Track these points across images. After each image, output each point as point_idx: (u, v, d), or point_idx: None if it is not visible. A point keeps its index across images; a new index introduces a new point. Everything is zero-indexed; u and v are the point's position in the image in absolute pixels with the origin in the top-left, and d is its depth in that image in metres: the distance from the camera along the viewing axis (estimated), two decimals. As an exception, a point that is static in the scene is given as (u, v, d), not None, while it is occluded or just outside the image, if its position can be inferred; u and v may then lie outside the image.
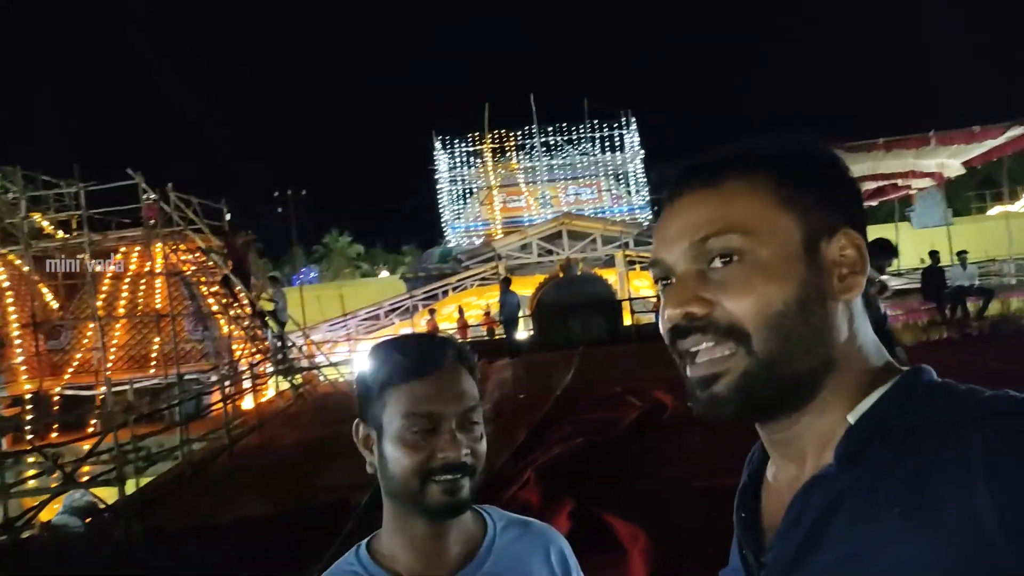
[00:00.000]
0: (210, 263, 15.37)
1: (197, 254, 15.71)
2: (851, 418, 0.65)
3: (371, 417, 1.07)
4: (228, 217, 17.50)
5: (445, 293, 24.29)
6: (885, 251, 5.89)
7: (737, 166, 0.70)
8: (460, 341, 1.16)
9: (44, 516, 8.03)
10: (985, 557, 0.54)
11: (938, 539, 0.56)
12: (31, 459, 10.04)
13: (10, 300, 14.11)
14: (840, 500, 0.62)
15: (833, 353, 0.67)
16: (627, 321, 17.65)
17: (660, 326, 0.73)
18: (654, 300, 20.53)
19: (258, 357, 14.72)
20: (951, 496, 0.56)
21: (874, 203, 23.27)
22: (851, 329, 0.69)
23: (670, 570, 3.80)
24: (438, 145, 34.80)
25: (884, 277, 5.74)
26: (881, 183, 19.26)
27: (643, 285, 23.50)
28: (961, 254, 13.39)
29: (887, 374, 0.68)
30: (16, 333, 13.94)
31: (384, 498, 1.08)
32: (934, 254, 13.26)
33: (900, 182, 19.51)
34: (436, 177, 34.80)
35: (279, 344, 14.91)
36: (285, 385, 14.37)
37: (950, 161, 17.53)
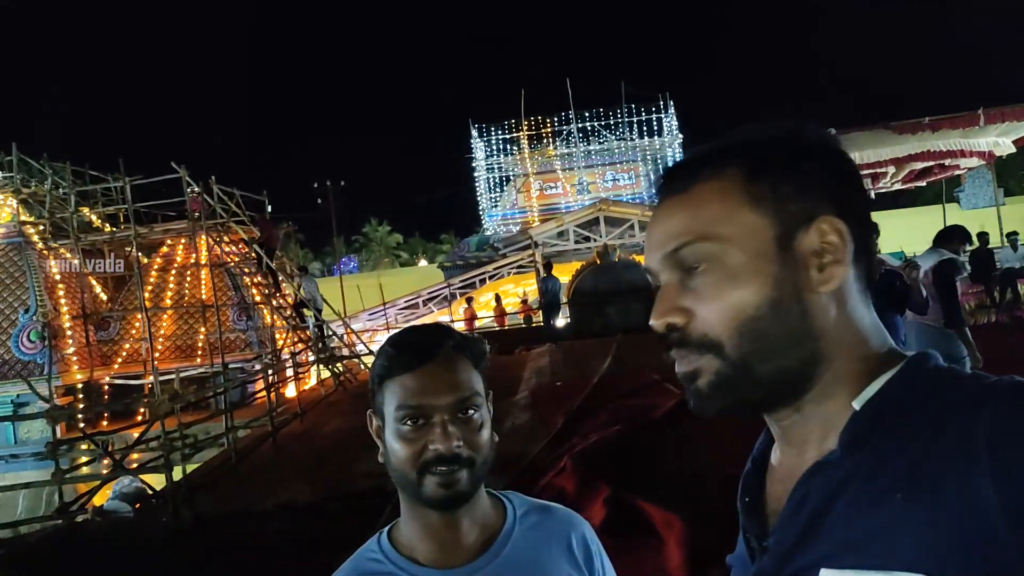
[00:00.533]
0: (253, 254, 15.65)
1: (240, 245, 16.01)
2: (856, 404, 0.65)
3: (377, 408, 1.09)
4: (269, 208, 17.80)
5: (483, 281, 24.37)
6: (959, 236, 5.82)
7: (708, 167, 0.70)
8: (469, 331, 1.15)
9: (96, 501, 8.29)
10: (986, 542, 0.54)
11: (939, 524, 0.56)
12: (83, 446, 10.37)
13: (61, 292, 14.55)
14: (843, 486, 0.63)
15: (820, 345, 0.67)
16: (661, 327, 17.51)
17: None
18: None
19: (300, 346, 14.97)
20: (953, 481, 0.56)
21: (921, 184, 22.66)
22: (843, 317, 0.68)
23: (705, 556, 3.79)
24: (475, 133, 34.81)
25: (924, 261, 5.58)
26: (927, 163, 18.74)
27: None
28: (1012, 235, 13.00)
29: (892, 359, 0.67)
30: (68, 324, 14.37)
31: (398, 489, 1.10)
32: (983, 235, 12.89)
33: (948, 162, 18.97)
34: (473, 165, 34.85)
35: (319, 332, 15.17)
36: (326, 374, 14.60)
37: (1001, 140, 17.00)
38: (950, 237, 5.78)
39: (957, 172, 21.56)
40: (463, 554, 1.07)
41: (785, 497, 0.68)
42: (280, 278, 15.54)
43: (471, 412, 1.05)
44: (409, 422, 1.03)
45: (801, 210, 0.67)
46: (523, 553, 1.09)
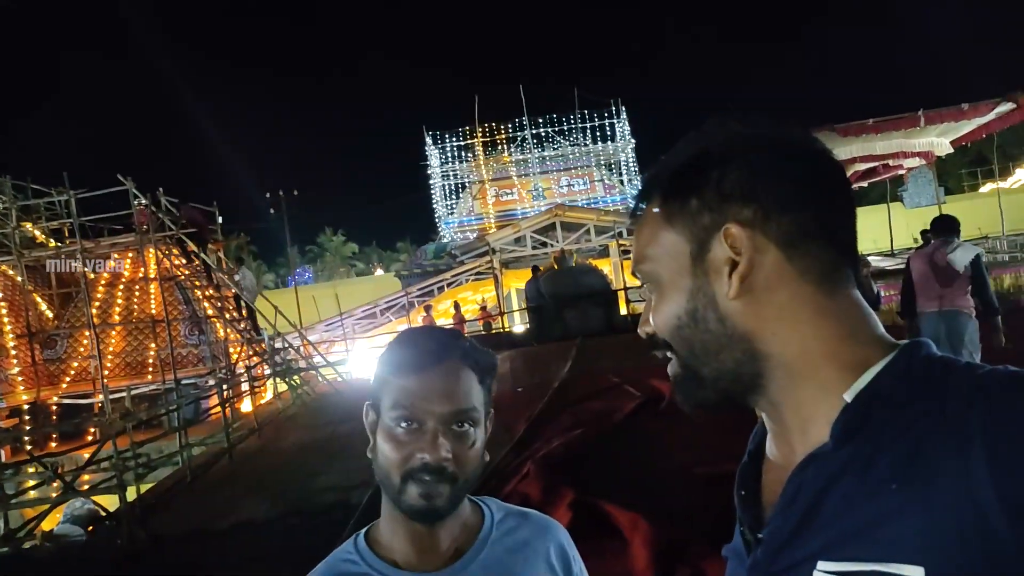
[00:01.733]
0: (200, 265, 15.34)
1: (190, 258, 15.68)
2: (847, 396, 0.65)
3: (375, 403, 1.06)
4: (220, 220, 17.47)
5: (441, 289, 24.27)
6: (949, 227, 6.24)
7: (643, 195, 0.77)
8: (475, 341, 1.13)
9: (46, 526, 8.00)
10: (981, 532, 0.55)
11: (934, 515, 0.56)
12: (31, 469, 10.00)
13: (4, 311, 14.07)
14: (836, 477, 0.63)
15: (756, 345, 0.69)
16: (623, 311, 17.67)
17: None
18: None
19: (255, 360, 14.71)
20: (947, 472, 0.56)
21: (864, 184, 23.29)
22: (783, 313, 0.68)
23: (672, 555, 3.81)
24: (429, 141, 34.72)
25: (873, 258, 5.87)
26: (872, 164, 19.27)
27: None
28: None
29: (884, 349, 0.67)
30: (12, 344, 13.89)
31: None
32: (926, 233, 13.28)
33: (891, 162, 19.53)
34: (428, 172, 34.74)
35: (252, 323, 14.86)
36: (284, 387, 14.37)
37: (940, 140, 17.56)
38: (954, 227, 6.24)
39: (900, 172, 22.20)
40: (441, 557, 1.06)
41: (780, 489, 0.68)
42: (226, 289, 15.21)
43: (466, 426, 1.02)
44: (403, 424, 1.01)
45: (712, 222, 0.70)
46: (500, 558, 1.08)
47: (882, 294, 5.53)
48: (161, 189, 15.02)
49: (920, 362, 0.65)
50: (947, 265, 5.94)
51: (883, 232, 22.87)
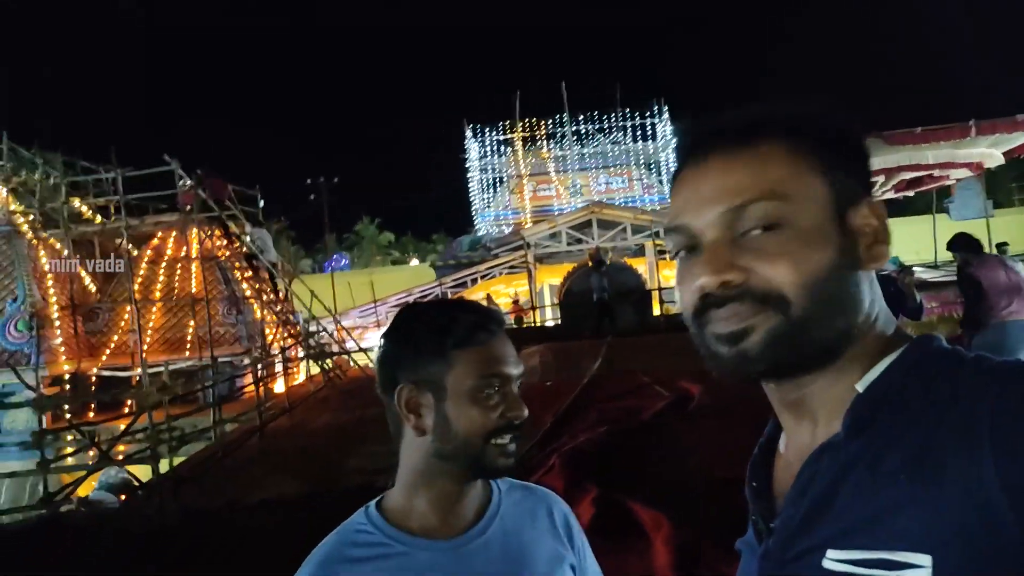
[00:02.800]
0: (243, 249, 15.59)
1: (231, 240, 15.95)
2: (859, 387, 0.66)
3: (427, 379, 1.06)
4: (262, 204, 17.75)
5: (474, 281, 24.34)
6: (972, 246, 6.64)
7: (772, 129, 0.69)
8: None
9: (81, 491, 8.24)
10: (987, 522, 0.55)
11: (942, 504, 0.57)
12: (69, 436, 10.31)
13: (50, 282, 14.46)
14: (848, 468, 0.63)
15: (858, 320, 0.67)
16: (656, 311, 17.56)
17: (683, 296, 0.71)
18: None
19: (289, 342, 14.93)
20: (956, 463, 0.57)
21: (910, 194, 22.80)
22: (873, 296, 0.69)
23: (693, 556, 3.80)
24: (469, 134, 34.80)
25: (916, 269, 5.84)
26: (918, 174, 18.84)
27: (673, 275, 23.29)
28: (1001, 247, 13.10)
29: (897, 341, 0.68)
30: (56, 315, 14.27)
31: (421, 459, 1.08)
32: (955, 248, 12.97)
33: (938, 172, 19.08)
34: (467, 166, 34.85)
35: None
36: (316, 369, 14.56)
37: (991, 151, 17.11)
38: (962, 246, 6.62)
39: (947, 183, 21.67)
40: (459, 525, 1.09)
41: (792, 480, 0.69)
42: (263, 271, 15.45)
43: (520, 386, 1.10)
44: (491, 390, 1.05)
45: (852, 188, 0.69)
46: (511, 525, 1.12)
47: (925, 305, 5.43)
48: (201, 172, 15.28)
49: (931, 354, 0.66)
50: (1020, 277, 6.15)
51: (927, 243, 22.37)
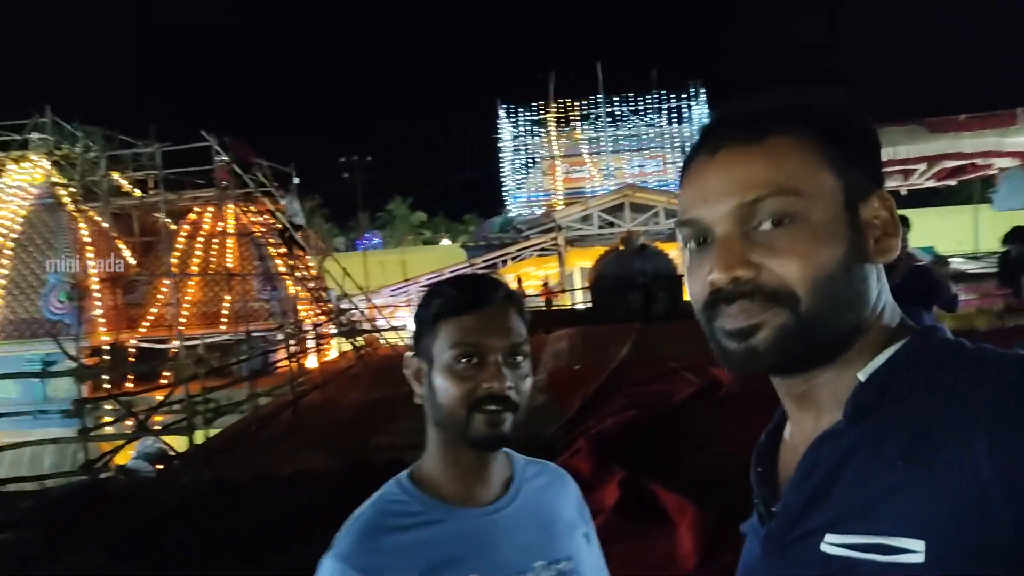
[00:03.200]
0: (278, 225, 15.78)
1: (266, 216, 16.15)
2: (861, 376, 0.67)
3: (423, 349, 1.12)
4: (296, 181, 17.93)
5: (504, 263, 24.36)
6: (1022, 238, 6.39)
7: (783, 121, 0.68)
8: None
9: (119, 460, 8.48)
10: (981, 509, 0.56)
11: (937, 491, 0.58)
12: (108, 406, 10.59)
13: (90, 255, 14.78)
14: (849, 455, 0.64)
15: (865, 314, 0.68)
16: (687, 297, 17.42)
17: (692, 288, 0.72)
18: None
19: (322, 318, 15.12)
20: (952, 450, 0.58)
21: (953, 183, 22.28)
22: (881, 290, 0.70)
23: (717, 543, 3.81)
24: (502, 114, 34.67)
25: (956, 259, 5.70)
26: (961, 162, 18.41)
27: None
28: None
29: (900, 332, 0.69)
30: (95, 287, 14.60)
31: (431, 429, 1.13)
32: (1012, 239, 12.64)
33: (981, 161, 18.61)
34: (499, 146, 34.75)
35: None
36: (347, 347, 14.75)
37: (1039, 140, 16.64)
38: (1016, 239, 6.45)
39: (991, 172, 21.14)
40: (489, 493, 1.13)
41: (795, 467, 0.71)
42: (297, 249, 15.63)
43: (519, 359, 1.09)
44: (464, 360, 1.06)
45: (862, 181, 0.69)
46: (535, 496, 1.16)
47: (960, 297, 5.33)
48: (227, 138, 15.42)
49: (934, 344, 0.67)
50: None
51: (968, 234, 21.89)
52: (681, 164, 0.78)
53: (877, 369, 0.67)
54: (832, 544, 0.63)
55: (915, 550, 0.58)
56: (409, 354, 1.15)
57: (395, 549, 1.04)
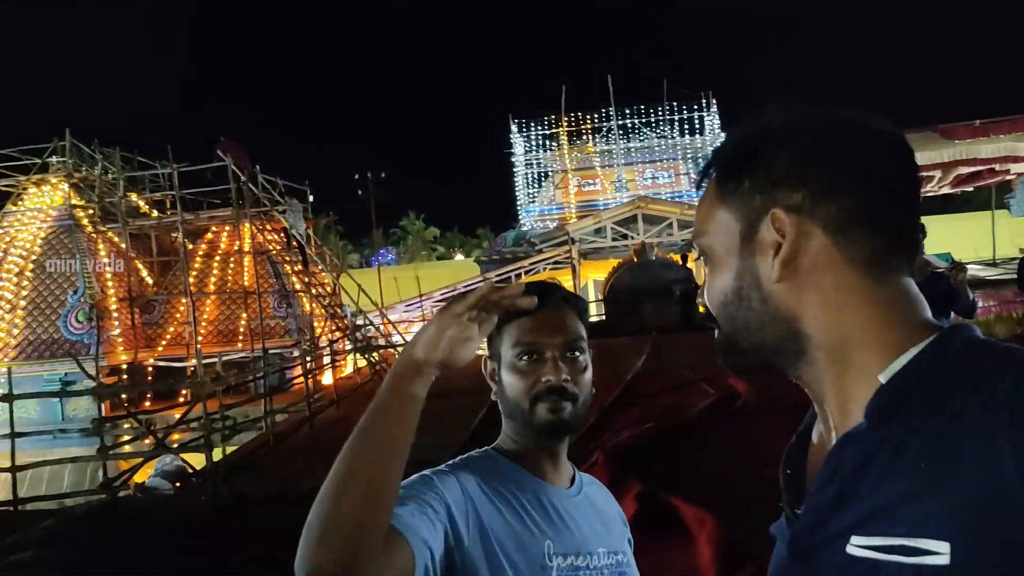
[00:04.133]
0: (294, 243, 15.88)
1: (281, 234, 16.27)
2: (883, 377, 0.66)
3: (493, 352, 1.24)
4: (311, 198, 18.06)
5: (518, 276, 24.34)
6: None
7: (705, 170, 0.79)
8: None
9: (138, 478, 8.52)
10: (1006, 509, 0.56)
11: (961, 492, 0.57)
12: (127, 425, 10.66)
13: (109, 275, 14.93)
14: (872, 456, 0.64)
15: (799, 325, 0.71)
16: (702, 308, 17.35)
17: None
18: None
19: (337, 335, 15.18)
20: (976, 450, 0.58)
21: (969, 188, 22.09)
22: (829, 297, 0.69)
23: (736, 555, 3.78)
24: (514, 128, 34.77)
25: (974, 267, 5.59)
26: (976, 168, 18.23)
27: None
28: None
29: (924, 332, 0.68)
30: (114, 307, 14.74)
31: (505, 422, 1.26)
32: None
33: (998, 167, 18.43)
34: (512, 160, 34.82)
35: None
36: (363, 362, 14.78)
37: (1055, 145, 16.45)
38: None
39: (1008, 177, 20.94)
40: (561, 479, 1.24)
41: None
42: (314, 266, 15.70)
43: (577, 354, 1.21)
44: (525, 357, 1.19)
45: (761, 204, 0.71)
46: (594, 495, 1.28)
47: (979, 304, 5.27)
48: (258, 167, 15.62)
49: (959, 344, 0.66)
50: None
51: (985, 240, 21.69)
52: (693, 175, 0.84)
53: (900, 370, 0.66)
54: (857, 546, 0.63)
55: (940, 552, 0.58)
56: (485, 356, 1.25)
57: (489, 490, 1.13)
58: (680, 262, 15.23)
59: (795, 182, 0.70)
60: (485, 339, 1.22)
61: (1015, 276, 13.17)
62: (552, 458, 1.23)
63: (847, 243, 0.69)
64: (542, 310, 1.15)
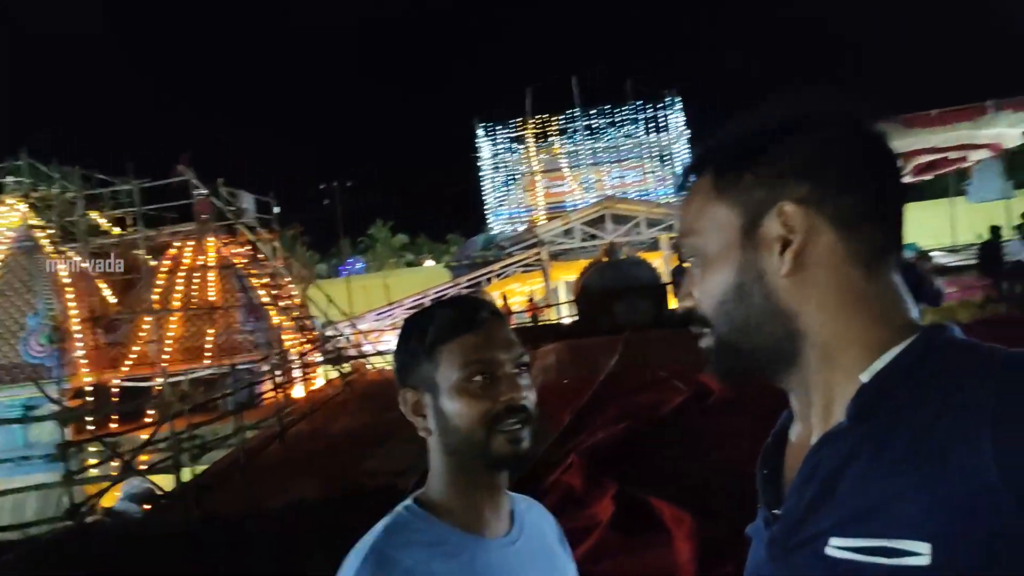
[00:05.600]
0: (260, 255, 15.70)
1: (247, 247, 16.07)
2: (864, 377, 0.66)
3: (421, 380, 1.07)
4: (277, 210, 17.87)
5: (489, 281, 24.35)
6: None
7: (693, 165, 0.77)
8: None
9: (105, 502, 8.33)
10: (988, 510, 0.55)
11: (943, 492, 0.57)
12: (92, 448, 10.43)
13: (70, 296, 14.62)
14: (852, 456, 0.64)
15: (797, 324, 0.69)
16: (672, 305, 17.48)
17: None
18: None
19: (307, 347, 15.02)
20: (957, 450, 0.57)
21: (927, 177, 22.55)
22: (829, 295, 0.69)
23: (715, 552, 3.77)
24: (481, 132, 34.82)
25: (935, 254, 5.68)
26: (935, 156, 18.63)
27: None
28: (1022, 228, 12.89)
29: (906, 331, 0.68)
30: (76, 327, 14.43)
31: (440, 458, 1.08)
32: (995, 229, 12.79)
33: (954, 155, 18.84)
34: (479, 164, 34.86)
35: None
36: (334, 374, 14.64)
37: (1009, 131, 16.88)
38: None
39: (964, 165, 21.41)
40: (500, 524, 1.09)
41: (799, 469, 0.70)
42: (286, 280, 15.55)
43: (525, 368, 1.08)
44: (477, 378, 1.03)
45: (766, 198, 0.70)
46: (534, 527, 1.14)
47: (944, 292, 5.35)
48: (221, 180, 15.44)
49: (940, 344, 0.66)
50: None
51: (944, 227, 22.14)
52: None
53: (881, 369, 0.66)
54: (837, 547, 0.63)
55: (921, 552, 0.57)
56: (402, 390, 1.10)
57: None
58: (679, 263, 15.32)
59: (802, 175, 0.69)
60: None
61: (975, 261, 13.51)
62: (492, 497, 1.08)
63: (853, 238, 0.69)
64: (485, 323, 1.06)
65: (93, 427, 11.30)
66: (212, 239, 14.99)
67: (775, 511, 0.72)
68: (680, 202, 0.78)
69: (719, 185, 0.72)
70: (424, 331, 1.07)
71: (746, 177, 0.70)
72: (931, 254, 5.54)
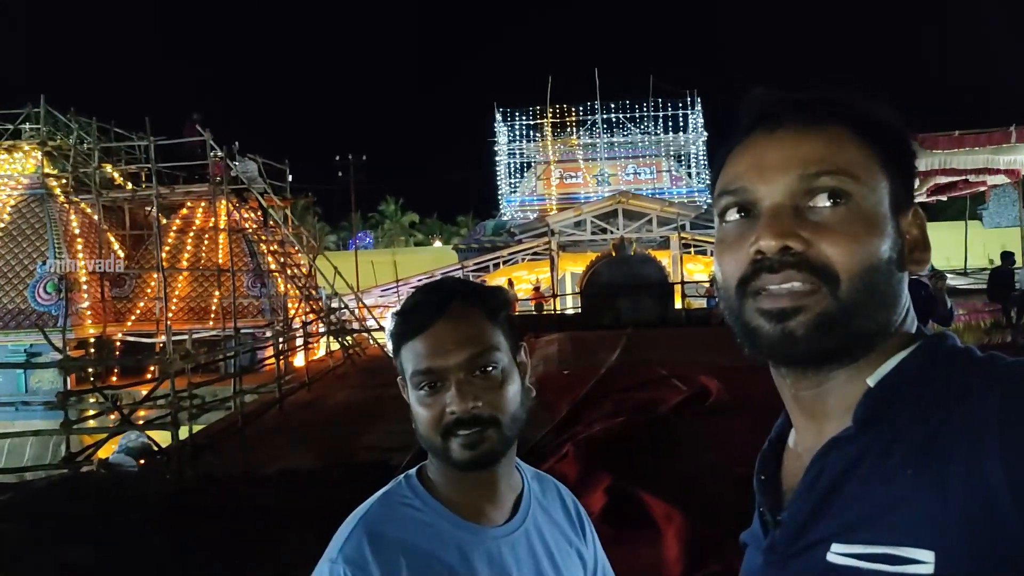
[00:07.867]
0: (271, 222, 15.71)
1: (258, 212, 16.08)
2: (871, 381, 0.65)
3: (402, 375, 1.03)
4: (290, 178, 17.86)
5: (496, 266, 24.35)
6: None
7: (846, 115, 0.68)
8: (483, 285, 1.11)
9: (102, 453, 8.39)
10: (992, 518, 0.55)
11: (947, 500, 0.56)
12: (92, 399, 10.50)
13: (80, 247, 14.67)
14: (856, 462, 0.63)
15: (895, 316, 0.67)
16: (678, 304, 17.46)
17: (727, 261, 0.69)
18: (706, 285, 20.27)
19: (311, 317, 15.06)
20: (961, 459, 0.57)
21: (943, 198, 22.39)
22: (906, 299, 0.69)
23: (704, 551, 3.80)
24: (499, 117, 34.65)
25: (947, 275, 5.66)
26: (953, 178, 18.46)
27: (696, 269, 23.14)
28: (1035, 255, 12.84)
29: (911, 339, 0.68)
30: (84, 279, 14.49)
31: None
32: (1007, 255, 12.73)
33: (973, 178, 18.67)
34: (495, 149, 34.72)
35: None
36: (336, 345, 14.68)
37: (1030, 159, 16.72)
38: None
39: (982, 189, 21.24)
40: (498, 512, 1.04)
41: (800, 474, 0.69)
42: (295, 249, 15.57)
43: (489, 369, 0.98)
44: (425, 387, 0.98)
45: (904, 192, 0.69)
46: (543, 515, 1.09)
47: (955, 312, 5.34)
48: (237, 144, 15.42)
49: (944, 351, 0.65)
50: None
51: (958, 250, 22.03)
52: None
53: (886, 375, 0.65)
54: (838, 554, 0.62)
55: (924, 560, 0.56)
56: (399, 377, 1.06)
57: (406, 559, 0.94)
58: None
59: (912, 186, 0.70)
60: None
61: (985, 286, 13.45)
62: (485, 487, 1.02)
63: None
64: (436, 325, 0.98)
65: (94, 378, 11.36)
66: (224, 202, 14.99)
67: (777, 517, 0.71)
68: (807, 130, 0.68)
69: (885, 155, 0.68)
70: (393, 325, 1.03)
71: (901, 164, 0.69)
72: (945, 274, 5.51)
